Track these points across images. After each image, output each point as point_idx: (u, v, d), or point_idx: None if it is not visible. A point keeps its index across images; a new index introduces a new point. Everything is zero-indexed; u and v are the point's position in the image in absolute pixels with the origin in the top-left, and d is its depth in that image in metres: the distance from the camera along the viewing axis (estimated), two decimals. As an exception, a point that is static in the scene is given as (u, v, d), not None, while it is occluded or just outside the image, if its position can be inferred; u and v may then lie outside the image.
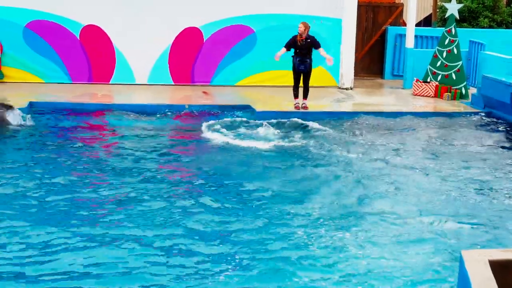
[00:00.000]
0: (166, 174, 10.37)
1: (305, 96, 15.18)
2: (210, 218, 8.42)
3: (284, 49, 14.86)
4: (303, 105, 15.16)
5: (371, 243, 7.78)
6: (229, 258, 7.25)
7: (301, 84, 15.08)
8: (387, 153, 11.93)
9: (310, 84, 15.19)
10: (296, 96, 15.17)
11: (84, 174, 10.15)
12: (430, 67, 17.78)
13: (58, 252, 7.22)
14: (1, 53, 17.06)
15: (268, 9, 18.01)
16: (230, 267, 7.05)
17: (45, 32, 17.35)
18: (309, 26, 14.78)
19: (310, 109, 15.06)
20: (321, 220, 8.47)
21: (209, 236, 7.83)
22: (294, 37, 14.75)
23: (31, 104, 14.58)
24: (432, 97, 17.36)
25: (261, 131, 13.23)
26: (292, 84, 15.20)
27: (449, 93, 17.17)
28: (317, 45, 14.81)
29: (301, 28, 14.65)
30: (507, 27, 23.65)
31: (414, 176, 10.59)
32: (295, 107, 15.10)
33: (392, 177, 10.47)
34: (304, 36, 14.65)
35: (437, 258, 7.44)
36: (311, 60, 14.87)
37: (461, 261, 4.40)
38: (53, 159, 10.91)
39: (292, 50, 14.83)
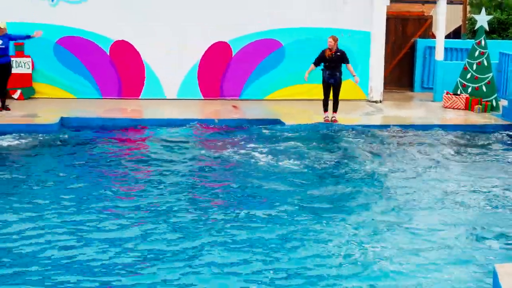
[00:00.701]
0: (194, 187, 10.40)
1: (335, 109, 15.15)
2: (236, 231, 8.44)
3: (312, 66, 14.92)
4: (333, 118, 15.12)
5: (402, 256, 7.73)
6: (261, 270, 7.27)
7: (331, 97, 15.08)
8: (418, 166, 11.85)
9: (339, 97, 15.19)
10: (326, 109, 15.14)
11: (113, 187, 10.22)
12: (460, 80, 17.66)
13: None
14: (32, 69, 17.24)
15: (296, 23, 18.01)
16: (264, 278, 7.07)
17: (76, 48, 17.51)
18: (338, 39, 14.82)
19: (339, 122, 15.02)
20: (353, 232, 8.44)
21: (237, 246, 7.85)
22: (323, 52, 14.79)
23: (62, 119, 14.70)
24: (463, 109, 17.23)
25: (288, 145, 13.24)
26: (322, 97, 15.21)
27: (479, 106, 17.03)
28: (346, 60, 14.84)
29: (331, 42, 14.66)
30: (537, 38, 23.46)
31: (446, 189, 10.50)
32: (325, 120, 15.07)
33: (423, 190, 10.40)
34: (334, 50, 14.67)
35: (470, 271, 7.36)
36: (340, 73, 14.89)
37: (494, 274, 4.36)
38: (84, 173, 10.99)
39: (322, 64, 14.87)
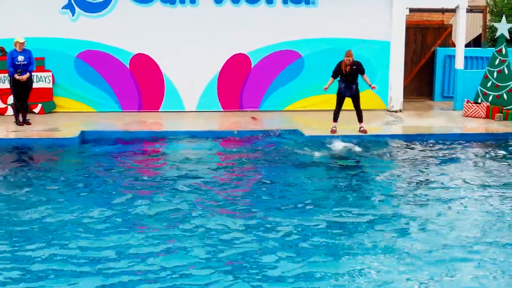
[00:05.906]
0: (215, 198, 10.37)
1: (360, 119, 15.02)
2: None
3: (331, 79, 14.84)
4: (361, 128, 14.96)
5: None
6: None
7: (344, 107, 14.92)
8: (438, 175, 11.76)
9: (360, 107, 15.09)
10: (335, 119, 15.04)
11: (132, 198, 10.24)
12: (481, 88, 17.55)
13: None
14: (53, 83, 17.37)
15: (315, 33, 18.01)
16: None
17: (96, 62, 17.63)
18: (353, 54, 14.66)
19: (357, 133, 14.89)
20: (370, 245, 8.39)
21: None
22: (339, 65, 14.69)
23: (82, 133, 14.76)
24: (484, 118, 17.11)
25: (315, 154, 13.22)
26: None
27: (500, 114, 16.91)
28: (362, 71, 14.73)
29: (350, 60, 14.51)
30: (559, 46, 23.24)
31: (468, 199, 10.38)
32: (331, 131, 14.95)
33: (446, 200, 10.30)
34: (350, 63, 14.54)
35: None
36: (357, 85, 14.78)
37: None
38: (103, 186, 11.01)
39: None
